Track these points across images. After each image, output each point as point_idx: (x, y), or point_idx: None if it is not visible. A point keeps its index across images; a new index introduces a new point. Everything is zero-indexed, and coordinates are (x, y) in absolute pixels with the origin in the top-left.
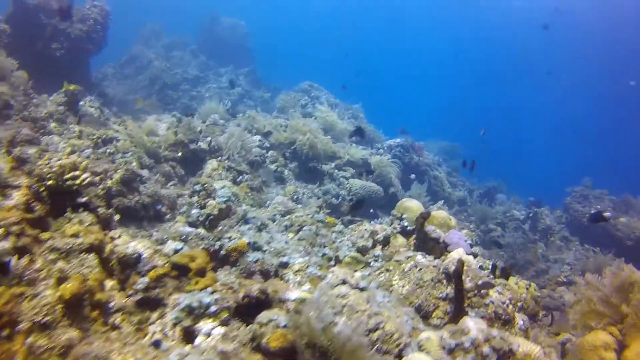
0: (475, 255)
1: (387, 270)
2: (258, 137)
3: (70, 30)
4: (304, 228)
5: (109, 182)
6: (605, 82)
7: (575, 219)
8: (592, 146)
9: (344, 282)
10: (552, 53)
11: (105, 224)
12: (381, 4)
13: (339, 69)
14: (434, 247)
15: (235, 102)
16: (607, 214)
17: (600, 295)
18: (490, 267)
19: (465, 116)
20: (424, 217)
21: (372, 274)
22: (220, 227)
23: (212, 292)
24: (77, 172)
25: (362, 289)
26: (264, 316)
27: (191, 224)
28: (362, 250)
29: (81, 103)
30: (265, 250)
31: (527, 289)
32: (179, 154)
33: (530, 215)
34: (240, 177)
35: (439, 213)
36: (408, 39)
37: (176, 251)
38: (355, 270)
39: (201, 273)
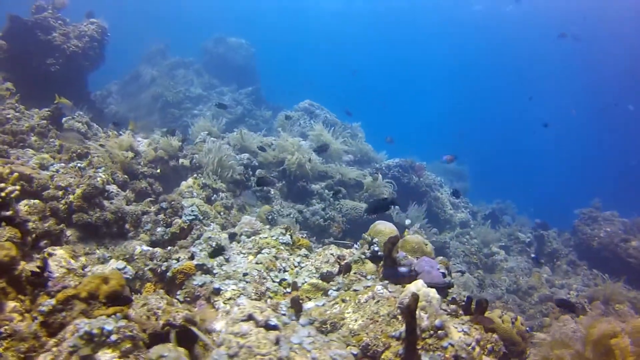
0: (449, 286)
1: (343, 300)
2: (246, 156)
3: (65, 47)
4: (263, 251)
5: (70, 197)
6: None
7: (584, 242)
8: (604, 165)
9: (249, 318)
10: (560, 66)
11: (56, 240)
12: (388, 20)
13: (343, 87)
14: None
15: (236, 121)
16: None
17: (571, 353)
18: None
19: (472, 135)
20: (393, 242)
21: (327, 304)
22: (175, 247)
23: (122, 319)
24: (1, 185)
25: (272, 327)
26: (154, 352)
27: (155, 243)
28: (326, 277)
29: (66, 118)
30: (216, 274)
31: (512, 323)
32: (158, 170)
33: (534, 237)
34: (215, 195)
35: (413, 238)
36: (415, 56)
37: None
38: (311, 299)
39: (114, 297)
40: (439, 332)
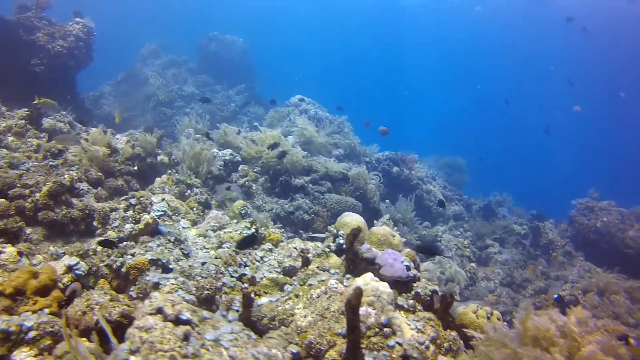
0: (414, 280)
1: (296, 296)
2: (229, 151)
3: (50, 47)
4: (224, 245)
5: (37, 195)
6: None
7: (580, 232)
8: (602, 154)
9: (157, 312)
10: (559, 59)
11: (13, 237)
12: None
13: (339, 83)
14: (366, 269)
15: (228, 118)
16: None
17: (506, 354)
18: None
19: (468, 129)
20: (354, 233)
21: (280, 299)
22: (131, 242)
23: (50, 314)
24: None
25: (183, 322)
26: (60, 348)
27: (123, 239)
28: (289, 271)
29: (48, 118)
30: (172, 269)
31: (488, 317)
32: (135, 167)
33: (529, 229)
34: (189, 191)
35: (380, 229)
36: (408, 49)
37: (69, 268)
38: (267, 294)
39: (43, 292)
40: (385, 329)
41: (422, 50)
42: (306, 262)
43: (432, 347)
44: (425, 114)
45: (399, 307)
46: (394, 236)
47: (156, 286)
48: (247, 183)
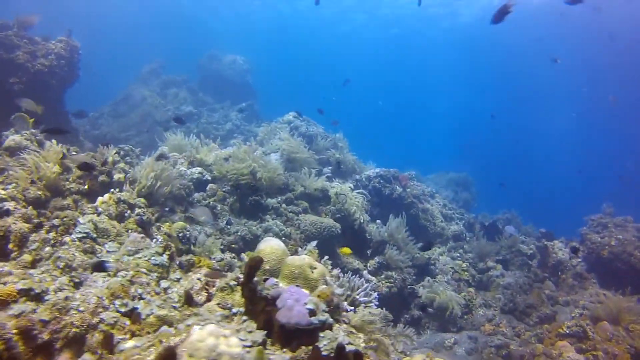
0: (322, 328)
1: (160, 342)
2: (197, 170)
3: (30, 65)
4: (119, 274)
5: None
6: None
7: (593, 251)
8: (619, 167)
9: None
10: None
11: None
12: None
13: (338, 99)
14: (264, 310)
15: (224, 137)
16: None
17: None
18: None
19: (477, 144)
20: (252, 265)
21: (145, 344)
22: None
23: None
24: None
25: None
26: None
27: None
28: (193, 306)
29: (14, 136)
30: (46, 300)
31: None
32: (86, 186)
33: (537, 248)
34: (130, 211)
35: (297, 259)
36: (419, 65)
37: None
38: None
39: None
40: None
41: (433, 64)
42: (188, 299)
43: None
44: (434, 128)
45: None
46: (315, 268)
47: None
48: (211, 203)
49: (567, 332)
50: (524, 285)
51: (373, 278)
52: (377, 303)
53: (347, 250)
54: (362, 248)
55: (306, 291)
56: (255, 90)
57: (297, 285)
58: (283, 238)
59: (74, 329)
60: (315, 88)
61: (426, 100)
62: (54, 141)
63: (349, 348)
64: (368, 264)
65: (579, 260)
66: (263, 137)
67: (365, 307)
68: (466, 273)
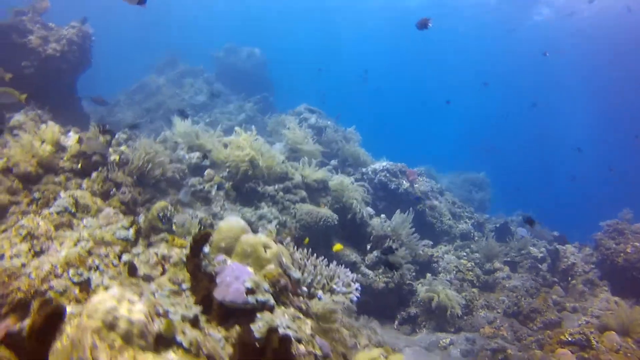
0: (261, 309)
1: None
2: (196, 154)
3: (41, 49)
4: (78, 244)
5: None
6: None
7: (608, 258)
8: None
9: None
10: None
11: None
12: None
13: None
14: (208, 287)
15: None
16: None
17: None
18: None
19: (494, 145)
20: (197, 240)
21: None
22: None
23: None
24: None
25: None
26: None
27: None
28: (145, 280)
29: (18, 115)
30: None
31: None
32: (79, 165)
33: (548, 251)
34: (115, 189)
35: (250, 238)
36: (440, 64)
37: None
38: None
39: None
40: None
41: (454, 61)
42: (132, 270)
43: None
44: (452, 127)
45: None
46: (269, 248)
47: None
48: (205, 188)
49: (570, 339)
50: (531, 289)
51: (370, 272)
52: (359, 295)
53: (338, 246)
54: (361, 241)
55: (250, 270)
56: (272, 83)
57: (247, 265)
58: (277, 226)
59: (19, 294)
60: (333, 82)
61: (449, 98)
62: (51, 122)
63: (283, 332)
64: (366, 258)
65: (592, 266)
66: (272, 128)
67: (342, 296)
68: (470, 273)
